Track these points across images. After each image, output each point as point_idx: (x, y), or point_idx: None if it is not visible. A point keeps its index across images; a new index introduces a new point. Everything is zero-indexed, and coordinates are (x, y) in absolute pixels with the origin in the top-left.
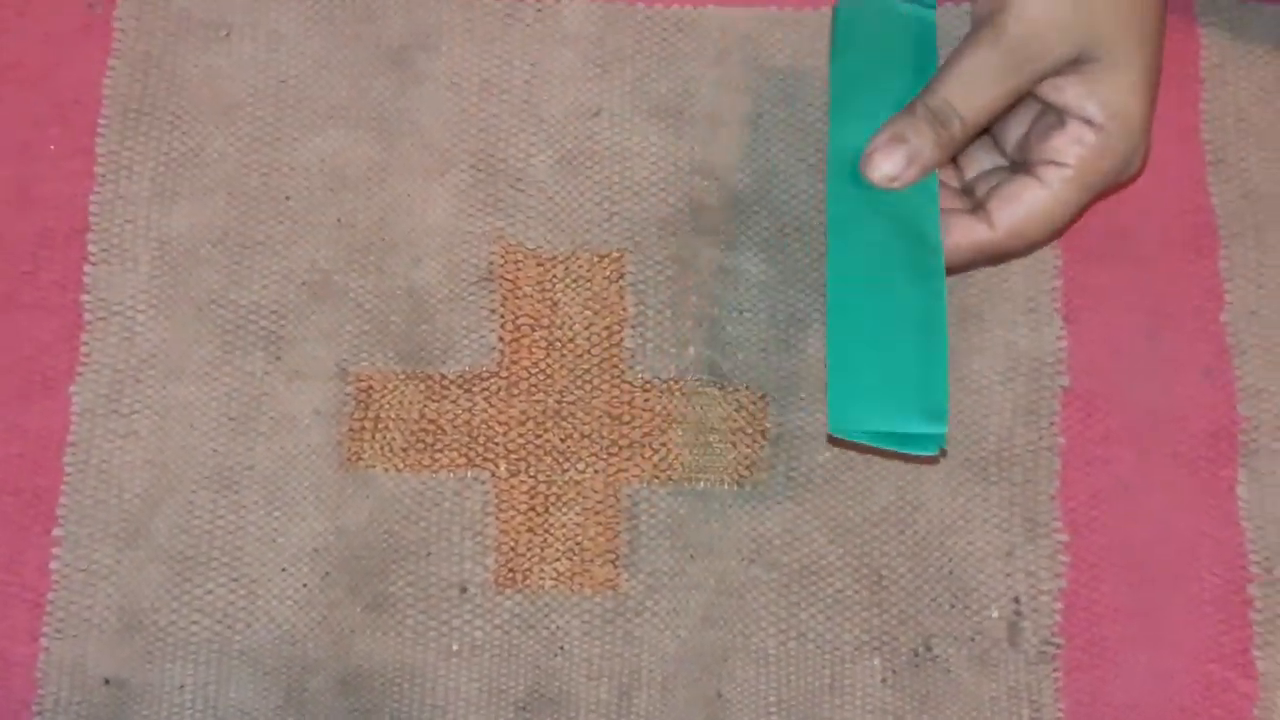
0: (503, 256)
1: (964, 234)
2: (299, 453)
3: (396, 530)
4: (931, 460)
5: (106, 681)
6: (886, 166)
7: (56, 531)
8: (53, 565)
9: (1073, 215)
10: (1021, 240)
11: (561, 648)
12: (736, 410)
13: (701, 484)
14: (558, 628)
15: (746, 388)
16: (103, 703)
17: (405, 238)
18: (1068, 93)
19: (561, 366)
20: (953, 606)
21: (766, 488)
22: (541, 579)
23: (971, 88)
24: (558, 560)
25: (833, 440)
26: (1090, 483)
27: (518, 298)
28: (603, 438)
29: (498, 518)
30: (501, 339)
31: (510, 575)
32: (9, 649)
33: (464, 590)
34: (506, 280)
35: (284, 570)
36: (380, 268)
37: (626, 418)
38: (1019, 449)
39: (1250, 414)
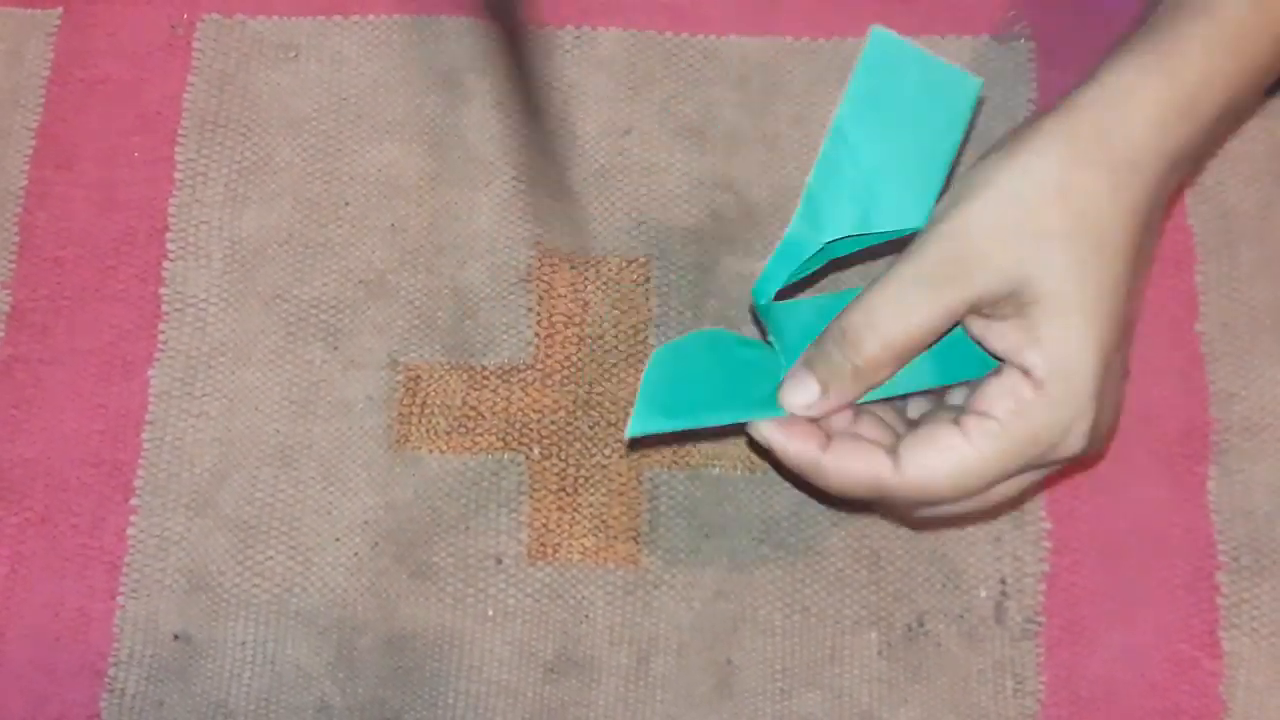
0: (540, 260)
1: (865, 463)
2: (353, 434)
3: (439, 506)
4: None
5: (175, 637)
6: (798, 397)
7: (133, 501)
8: (129, 531)
9: (991, 478)
10: (923, 493)
11: (587, 615)
12: None
13: (716, 470)
14: (584, 597)
15: None
16: (172, 655)
17: (452, 242)
18: (1008, 338)
19: (591, 361)
20: (944, 586)
21: (775, 475)
22: (570, 553)
23: (893, 305)
24: (584, 536)
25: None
26: (1072, 476)
27: (553, 298)
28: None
29: (531, 496)
30: (537, 335)
31: (541, 549)
32: (89, 606)
33: (499, 561)
34: (543, 282)
35: (337, 540)
36: (429, 268)
37: None
38: None
39: (1221, 416)
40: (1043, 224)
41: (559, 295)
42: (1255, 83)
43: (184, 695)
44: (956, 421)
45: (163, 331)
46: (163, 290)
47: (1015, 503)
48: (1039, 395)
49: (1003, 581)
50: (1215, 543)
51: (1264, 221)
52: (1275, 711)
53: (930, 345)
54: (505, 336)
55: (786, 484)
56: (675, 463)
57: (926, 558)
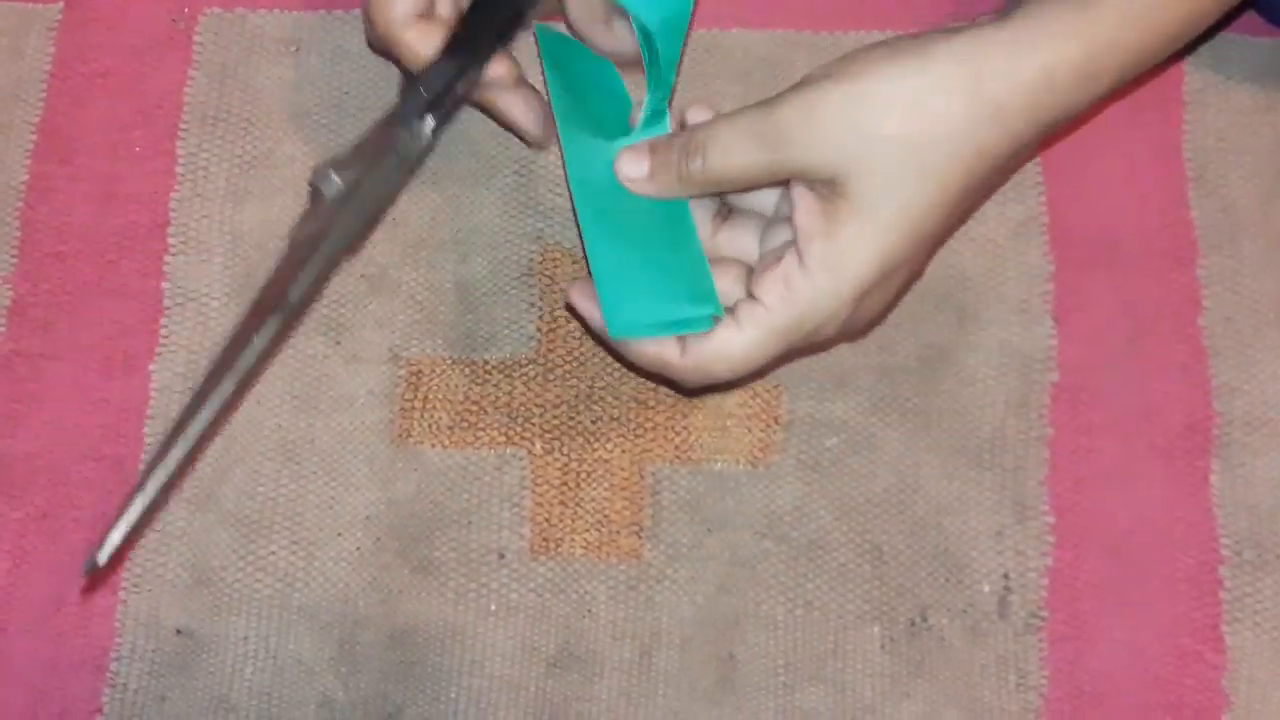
0: (542, 254)
1: (655, 345)
2: (355, 429)
3: (442, 501)
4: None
5: (178, 631)
6: (628, 168)
7: None
8: None
9: (762, 360)
10: (703, 375)
11: (589, 610)
12: (752, 398)
13: (719, 465)
14: (586, 592)
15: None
16: (174, 650)
17: (454, 236)
18: (810, 218)
19: (594, 355)
20: (947, 581)
21: (778, 469)
22: (572, 547)
23: (729, 140)
24: (587, 531)
25: (617, 344)
26: (1076, 470)
27: (555, 292)
28: (630, 420)
29: (533, 491)
30: (539, 329)
31: (544, 543)
32: (91, 601)
33: (502, 556)
34: (545, 276)
35: (339, 535)
36: (431, 263)
37: (652, 403)
38: (1011, 438)
39: (1224, 410)
40: (882, 129)
41: (561, 289)
42: (1154, 56)
43: (186, 690)
44: (732, 310)
45: (164, 326)
46: (164, 285)
47: (769, 370)
48: (807, 283)
49: (1006, 576)
50: (1218, 537)
51: (1266, 215)
52: (1278, 705)
53: (749, 188)
54: (507, 331)
55: (789, 480)
56: (678, 457)
57: (930, 552)
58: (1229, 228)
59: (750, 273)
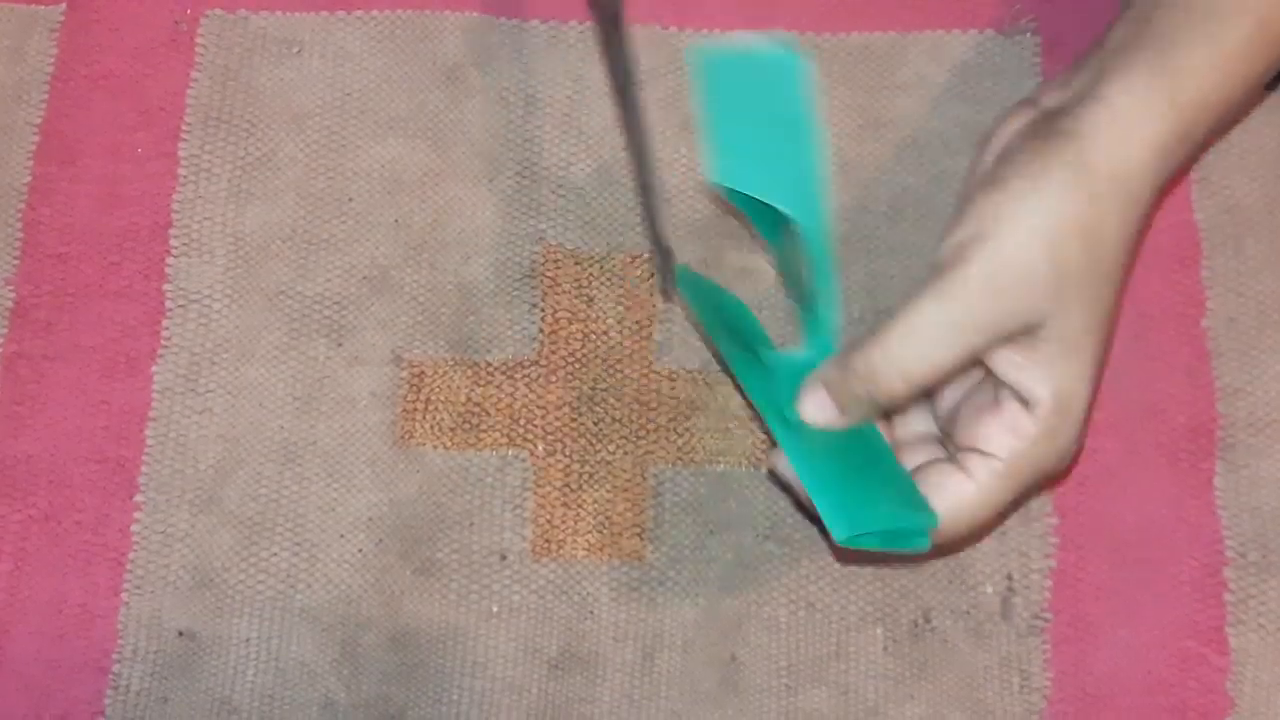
0: (544, 256)
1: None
2: (356, 431)
3: (444, 502)
4: (922, 556)
5: (180, 633)
6: (815, 415)
7: (137, 497)
8: (133, 528)
9: (1001, 512)
10: (944, 538)
11: (591, 612)
12: None
13: (721, 466)
14: (588, 594)
15: None
16: (176, 652)
17: (456, 237)
18: (1020, 368)
19: (596, 357)
20: (950, 582)
21: None
22: (574, 549)
23: (920, 346)
24: (589, 532)
25: (839, 552)
26: (1079, 471)
27: (557, 293)
28: (632, 422)
29: (535, 493)
30: (542, 331)
31: (546, 545)
32: (93, 603)
33: (504, 558)
34: (547, 277)
35: (341, 537)
36: (433, 264)
37: (654, 404)
38: None
39: (1228, 412)
40: (1064, 263)
41: (563, 291)
42: (1241, 106)
43: (188, 692)
44: (957, 463)
45: (166, 327)
46: (166, 286)
47: (1002, 521)
48: (1041, 429)
49: (1009, 577)
50: (1222, 539)
51: (1270, 216)
52: None
53: (952, 379)
54: (509, 332)
55: None
56: (680, 459)
57: (932, 554)
58: (1233, 229)
59: (936, 441)
